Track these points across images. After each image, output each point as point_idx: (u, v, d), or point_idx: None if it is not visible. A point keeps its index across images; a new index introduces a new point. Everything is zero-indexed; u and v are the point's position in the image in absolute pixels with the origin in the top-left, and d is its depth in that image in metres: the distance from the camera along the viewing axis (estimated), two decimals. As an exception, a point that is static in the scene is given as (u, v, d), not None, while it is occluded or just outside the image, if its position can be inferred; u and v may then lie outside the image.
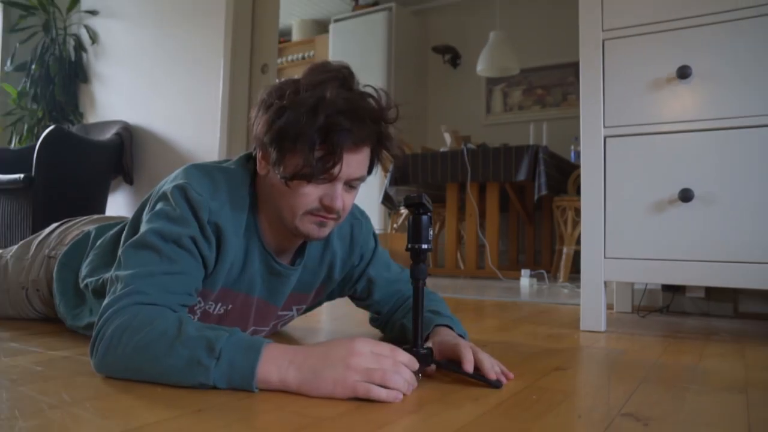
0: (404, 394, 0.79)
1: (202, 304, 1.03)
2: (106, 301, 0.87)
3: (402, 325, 1.17)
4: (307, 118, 0.88)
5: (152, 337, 0.80)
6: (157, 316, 0.83)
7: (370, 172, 1.02)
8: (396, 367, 0.79)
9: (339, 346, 0.80)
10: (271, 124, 0.92)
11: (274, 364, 0.78)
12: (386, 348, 0.81)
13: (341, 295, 1.28)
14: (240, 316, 1.10)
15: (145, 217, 0.98)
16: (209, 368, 0.77)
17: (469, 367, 0.89)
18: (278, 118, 0.91)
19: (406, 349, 0.89)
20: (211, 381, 0.77)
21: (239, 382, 0.78)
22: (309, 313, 1.40)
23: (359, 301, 1.27)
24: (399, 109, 0.98)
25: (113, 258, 1.07)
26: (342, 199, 0.95)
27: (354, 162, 0.93)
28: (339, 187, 0.94)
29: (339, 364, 0.78)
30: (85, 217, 1.46)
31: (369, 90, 0.95)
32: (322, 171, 0.90)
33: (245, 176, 1.03)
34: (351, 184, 0.97)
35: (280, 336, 1.32)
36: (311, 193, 0.94)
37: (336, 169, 0.90)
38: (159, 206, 0.96)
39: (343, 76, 0.93)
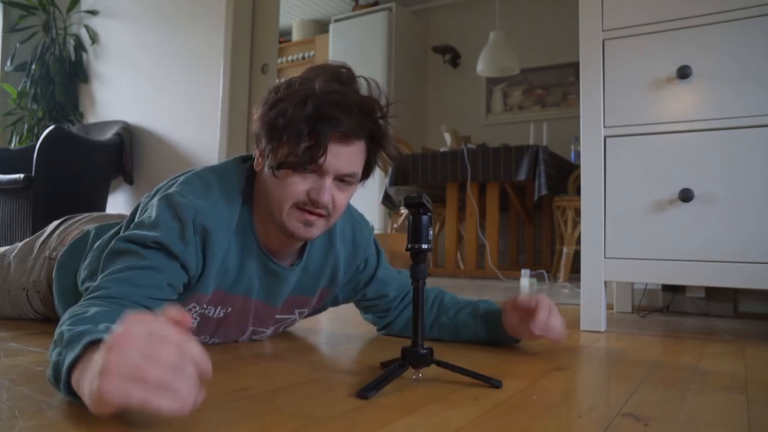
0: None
1: (198, 308, 1.03)
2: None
3: (452, 325, 1.23)
4: (295, 109, 0.89)
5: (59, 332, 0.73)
6: (87, 307, 0.78)
7: (368, 173, 1.01)
8: (182, 361, 0.55)
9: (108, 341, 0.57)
10: (263, 117, 0.94)
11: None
12: (171, 330, 0.57)
13: (347, 301, 1.27)
14: (239, 318, 1.10)
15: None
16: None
17: (536, 330, 1.05)
18: (270, 110, 0.92)
19: (406, 349, 0.89)
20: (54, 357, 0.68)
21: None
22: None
23: (371, 301, 1.27)
24: (394, 107, 0.97)
25: None
26: (330, 193, 0.94)
27: (343, 155, 0.92)
28: (328, 181, 0.93)
29: (95, 367, 0.56)
30: (86, 215, 1.46)
31: (362, 82, 0.94)
32: (309, 160, 0.90)
33: (239, 175, 1.02)
34: (342, 180, 0.95)
35: (280, 336, 1.32)
36: (298, 185, 0.93)
37: (322, 159, 0.90)
38: (140, 216, 0.97)
39: (338, 72, 0.94)
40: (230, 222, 0.99)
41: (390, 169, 3.86)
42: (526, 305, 1.08)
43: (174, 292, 0.94)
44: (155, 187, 1.06)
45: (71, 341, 0.66)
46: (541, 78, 5.25)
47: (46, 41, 3.77)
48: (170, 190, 0.96)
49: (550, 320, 1.06)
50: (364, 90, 0.94)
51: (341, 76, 0.93)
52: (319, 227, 0.98)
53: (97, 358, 0.56)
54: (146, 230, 0.92)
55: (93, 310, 0.77)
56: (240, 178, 1.02)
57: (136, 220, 0.98)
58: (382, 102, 0.95)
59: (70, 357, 0.63)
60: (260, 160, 0.98)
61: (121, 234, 0.94)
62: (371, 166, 1.00)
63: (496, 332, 1.17)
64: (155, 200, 0.96)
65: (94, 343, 0.62)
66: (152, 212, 0.94)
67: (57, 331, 0.73)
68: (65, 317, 0.77)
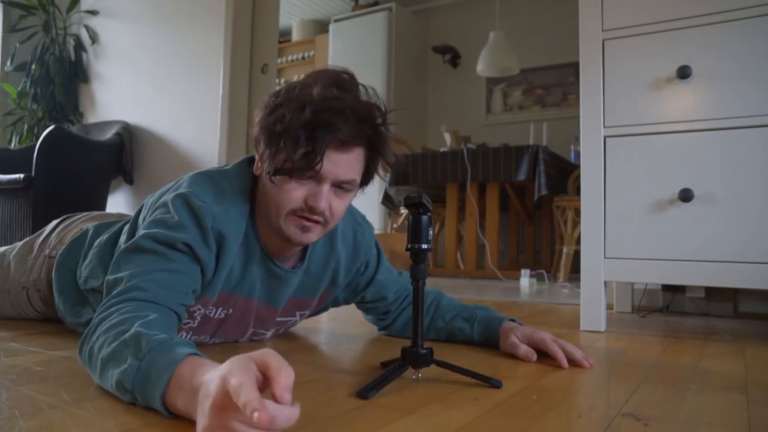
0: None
1: (202, 309, 1.03)
2: (104, 301, 0.85)
3: (447, 330, 1.24)
4: (293, 114, 0.88)
5: (118, 330, 0.74)
6: (142, 313, 0.78)
7: (367, 180, 1.00)
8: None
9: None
10: (262, 122, 0.93)
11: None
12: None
13: (347, 302, 1.27)
14: (240, 319, 1.10)
15: (142, 223, 0.97)
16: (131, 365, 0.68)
17: (565, 364, 1.04)
18: (269, 115, 0.92)
19: (406, 349, 0.89)
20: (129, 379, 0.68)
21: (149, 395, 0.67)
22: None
23: (370, 303, 1.27)
24: (393, 114, 0.96)
25: (111, 260, 1.07)
26: (327, 200, 0.93)
27: (342, 162, 0.91)
28: (325, 187, 0.92)
29: (203, 400, 0.59)
30: (85, 214, 1.46)
31: (362, 90, 0.93)
32: (305, 167, 0.89)
33: (246, 179, 1.02)
34: (341, 187, 0.94)
35: (281, 336, 1.32)
36: (296, 191, 0.92)
37: (318, 166, 0.89)
38: (157, 214, 0.95)
39: (339, 78, 0.92)
40: (240, 228, 0.99)
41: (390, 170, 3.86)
42: (529, 355, 1.09)
43: (193, 298, 0.94)
44: (160, 190, 1.05)
45: (154, 350, 0.68)
46: (541, 78, 5.26)
47: (46, 41, 3.77)
48: (185, 190, 0.95)
49: (567, 351, 1.07)
50: (363, 96, 0.93)
51: (342, 82, 0.92)
52: (316, 233, 0.97)
53: (204, 391, 0.59)
54: (172, 231, 0.91)
55: (152, 315, 0.78)
56: (248, 182, 1.02)
57: (146, 219, 0.97)
58: (382, 109, 0.94)
59: (171, 368, 0.65)
60: (260, 164, 0.98)
61: (144, 231, 0.92)
62: (370, 173, 0.99)
63: (492, 344, 1.19)
64: (170, 199, 0.95)
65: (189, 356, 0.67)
66: (172, 212, 0.93)
67: (118, 330, 0.73)
68: (115, 317, 0.77)
